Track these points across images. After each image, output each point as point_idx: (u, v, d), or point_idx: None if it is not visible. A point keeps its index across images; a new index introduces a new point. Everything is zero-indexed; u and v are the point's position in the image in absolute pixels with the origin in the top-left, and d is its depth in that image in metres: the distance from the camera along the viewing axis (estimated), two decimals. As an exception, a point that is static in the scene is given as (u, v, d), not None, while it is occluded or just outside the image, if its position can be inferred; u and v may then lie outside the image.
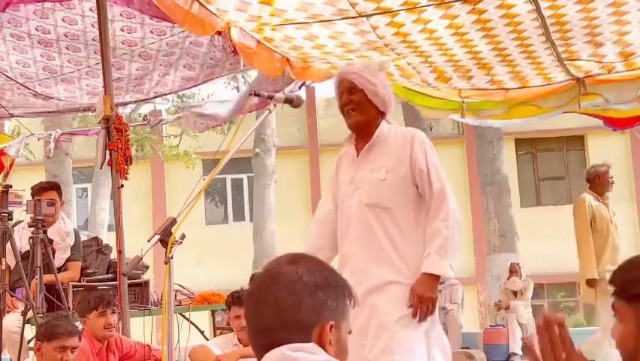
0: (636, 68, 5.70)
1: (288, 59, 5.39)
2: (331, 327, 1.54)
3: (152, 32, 5.40)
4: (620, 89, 5.90)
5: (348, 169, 3.29)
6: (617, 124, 7.77)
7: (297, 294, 1.51)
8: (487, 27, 4.78)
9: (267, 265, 1.61)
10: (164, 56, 5.82)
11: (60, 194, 5.26)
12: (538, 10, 4.47)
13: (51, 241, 5.00)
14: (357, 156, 3.25)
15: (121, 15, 5.12)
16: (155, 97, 7.02)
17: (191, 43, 5.64)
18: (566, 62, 5.51)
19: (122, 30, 5.32)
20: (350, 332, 1.63)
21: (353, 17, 4.56)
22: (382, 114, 3.23)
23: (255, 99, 5.96)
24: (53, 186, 5.28)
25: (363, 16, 4.55)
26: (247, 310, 1.59)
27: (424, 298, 3.02)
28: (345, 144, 3.36)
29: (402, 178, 3.14)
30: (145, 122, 10.66)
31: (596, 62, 5.54)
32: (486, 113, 6.76)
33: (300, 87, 6.16)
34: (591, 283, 6.34)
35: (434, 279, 3.05)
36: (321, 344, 1.52)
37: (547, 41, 5.01)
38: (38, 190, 5.10)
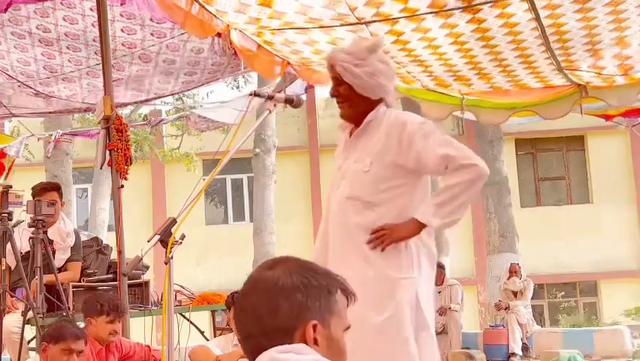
0: (636, 80, 5.71)
1: (288, 62, 5.39)
2: (314, 327, 1.51)
3: (152, 35, 5.41)
4: (620, 93, 5.90)
5: (340, 155, 3.13)
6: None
7: (272, 299, 1.50)
8: (487, 36, 4.75)
9: (251, 273, 1.60)
10: (164, 62, 5.83)
11: (61, 195, 5.25)
12: (537, 19, 4.43)
13: (51, 242, 5.01)
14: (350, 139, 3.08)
15: (121, 15, 5.13)
16: (156, 98, 7.03)
17: (191, 50, 5.64)
18: (565, 71, 5.51)
19: (122, 31, 5.32)
20: (348, 328, 1.59)
21: (352, 24, 4.55)
22: (379, 100, 3.02)
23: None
24: (54, 187, 5.27)
25: (362, 23, 4.54)
26: (234, 318, 1.60)
27: (388, 227, 2.89)
28: (340, 128, 3.19)
29: (386, 168, 2.94)
30: (145, 123, 10.67)
31: (595, 72, 5.54)
32: (486, 118, 6.75)
33: (305, 90, 6.15)
34: None
35: (413, 222, 2.90)
36: (307, 344, 1.50)
37: (547, 50, 4.99)
38: (39, 191, 5.10)
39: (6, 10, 3.96)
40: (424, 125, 2.98)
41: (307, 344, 1.49)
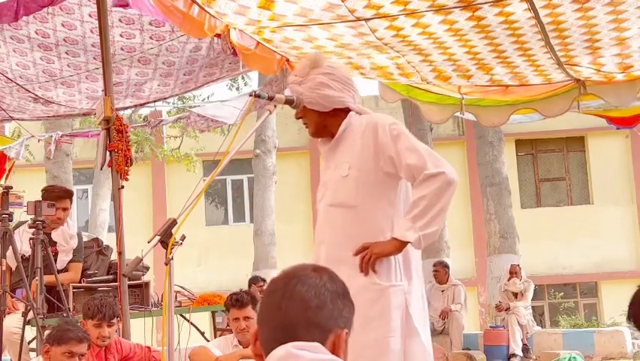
0: (635, 77, 5.71)
1: (287, 59, 5.39)
2: (346, 335, 1.60)
3: (151, 38, 5.41)
4: (618, 92, 5.89)
5: (323, 168, 3.16)
6: (620, 122, 7.80)
7: (321, 297, 1.58)
8: (486, 30, 4.78)
9: (288, 270, 1.64)
10: (162, 63, 5.82)
11: (72, 201, 5.24)
12: (537, 16, 4.45)
13: (55, 243, 5.01)
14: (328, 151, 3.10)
15: (120, 21, 5.12)
16: (156, 100, 7.03)
17: (190, 51, 5.64)
18: (565, 66, 5.52)
19: (121, 36, 5.32)
20: None
21: (352, 20, 4.57)
22: (340, 109, 3.02)
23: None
24: (69, 195, 5.19)
25: (361, 20, 4.55)
26: (267, 305, 1.59)
27: (368, 245, 2.87)
28: (319, 144, 3.20)
29: (366, 172, 2.94)
30: (145, 124, 10.67)
31: (595, 69, 5.55)
32: (486, 119, 6.75)
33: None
34: None
35: (393, 240, 2.88)
36: (336, 349, 1.57)
37: (547, 46, 5.01)
38: (55, 198, 5.00)
39: (17, 19, 3.98)
40: (393, 125, 2.97)
41: (336, 348, 1.57)
